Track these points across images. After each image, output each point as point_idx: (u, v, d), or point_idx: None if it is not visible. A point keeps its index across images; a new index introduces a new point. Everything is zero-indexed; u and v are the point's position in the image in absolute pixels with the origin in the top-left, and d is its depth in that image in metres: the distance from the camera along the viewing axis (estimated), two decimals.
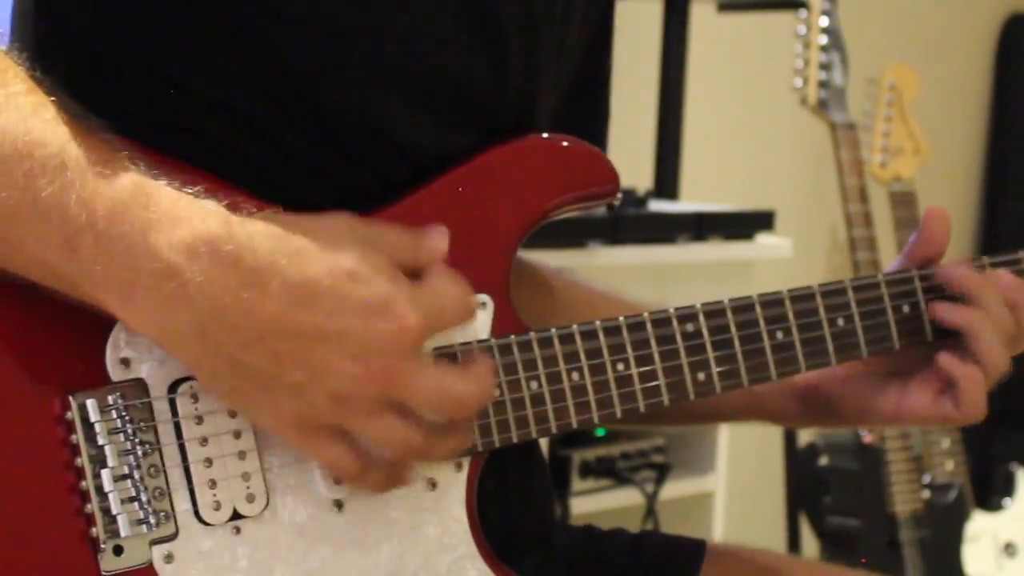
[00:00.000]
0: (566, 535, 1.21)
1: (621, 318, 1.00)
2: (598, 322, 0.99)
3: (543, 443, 2.07)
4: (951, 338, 1.11)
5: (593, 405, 0.99)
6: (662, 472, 2.24)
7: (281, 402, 0.87)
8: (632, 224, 2.18)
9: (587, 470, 2.19)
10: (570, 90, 1.12)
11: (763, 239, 2.36)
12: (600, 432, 2.22)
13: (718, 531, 2.39)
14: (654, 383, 1.01)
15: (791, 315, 1.05)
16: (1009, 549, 2.82)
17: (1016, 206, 3.62)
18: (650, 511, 2.22)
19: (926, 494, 2.67)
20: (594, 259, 2.10)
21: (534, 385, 0.97)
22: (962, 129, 3.62)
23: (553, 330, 0.98)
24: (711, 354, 1.03)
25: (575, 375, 0.98)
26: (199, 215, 0.86)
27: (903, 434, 2.62)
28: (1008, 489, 2.88)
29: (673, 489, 2.28)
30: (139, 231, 0.84)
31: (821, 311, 1.07)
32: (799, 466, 2.70)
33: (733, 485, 2.41)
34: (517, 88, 1.03)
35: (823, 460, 2.64)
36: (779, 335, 1.05)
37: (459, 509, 0.97)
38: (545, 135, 1.02)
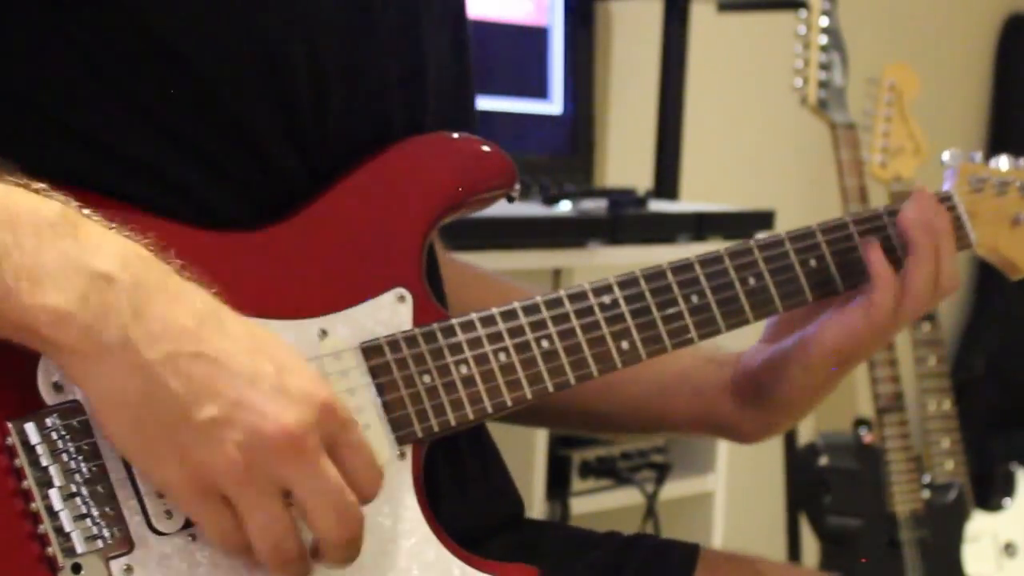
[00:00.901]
0: (560, 535, 1.22)
1: (538, 297, 1.04)
2: (516, 303, 1.03)
3: (542, 442, 2.08)
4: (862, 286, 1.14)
5: (524, 382, 1.02)
6: (662, 472, 2.24)
7: (188, 446, 0.85)
8: (632, 224, 2.18)
9: (587, 470, 2.19)
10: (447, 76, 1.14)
11: None
12: None
13: (718, 531, 2.39)
14: (580, 355, 1.04)
15: (703, 278, 1.09)
16: (1009, 549, 2.82)
17: None
18: (650, 511, 2.22)
19: (926, 494, 2.67)
20: (594, 259, 2.10)
21: (463, 369, 1.00)
22: (962, 129, 3.62)
23: (473, 314, 1.01)
24: (631, 322, 1.06)
25: (502, 355, 1.01)
26: (125, 240, 0.88)
27: (903, 434, 2.62)
28: (1008, 489, 2.88)
29: (673, 489, 2.28)
30: (70, 246, 0.85)
31: (731, 272, 1.11)
32: (799, 466, 2.70)
33: (733, 485, 2.41)
34: (397, 62, 1.05)
35: (823, 460, 2.64)
36: (694, 299, 1.09)
37: (409, 496, 0.99)
38: (440, 133, 1.06)
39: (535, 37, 2.54)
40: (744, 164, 3.12)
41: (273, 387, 0.86)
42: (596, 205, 2.18)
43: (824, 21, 2.57)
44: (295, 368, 0.88)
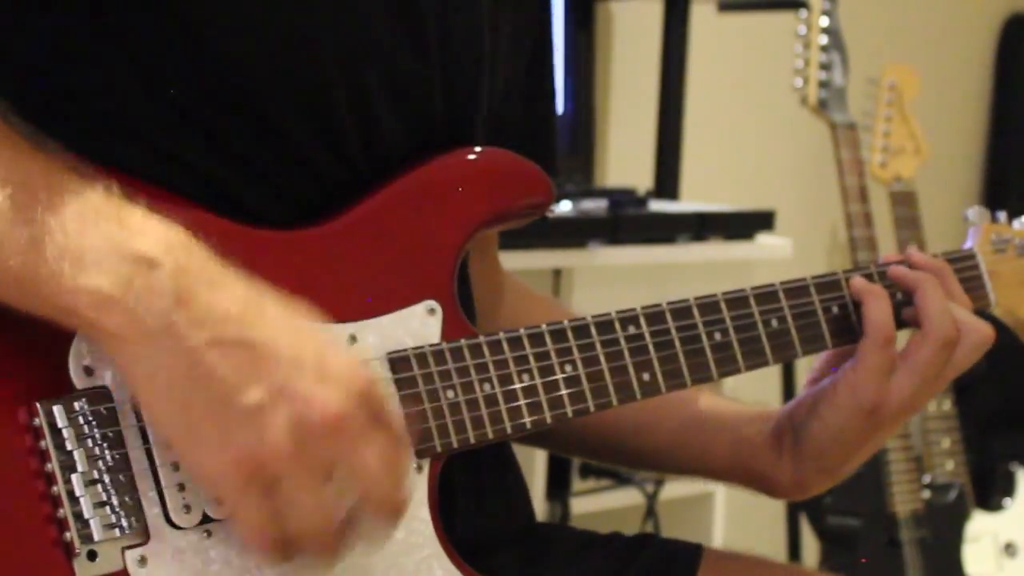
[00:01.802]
0: (563, 538, 1.21)
1: (566, 322, 1.04)
2: (544, 326, 1.03)
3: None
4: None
5: (545, 406, 1.02)
6: None
7: (233, 430, 0.85)
8: (632, 224, 2.18)
9: (587, 470, 2.19)
10: (515, 88, 1.15)
11: (763, 239, 2.36)
12: None
13: (718, 531, 2.39)
14: (601, 383, 1.05)
15: (727, 318, 1.10)
16: (1009, 549, 2.82)
17: (1017, 206, 3.61)
18: (650, 511, 2.22)
19: (926, 494, 2.67)
20: (594, 259, 2.10)
21: (487, 387, 1.00)
22: (962, 129, 3.62)
23: (501, 334, 1.02)
24: (654, 355, 1.07)
25: (525, 376, 1.02)
26: (167, 226, 0.88)
27: (903, 434, 2.62)
28: (1008, 489, 2.88)
29: (673, 489, 2.28)
30: (114, 229, 0.85)
31: (755, 313, 1.11)
32: None
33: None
34: (445, 79, 1.05)
35: None
36: (717, 336, 1.10)
37: (423, 510, 0.99)
38: (480, 148, 1.06)
39: None
40: (744, 164, 3.12)
41: (317, 371, 0.86)
42: (596, 205, 2.18)
43: (824, 21, 2.57)
44: (335, 354, 0.89)
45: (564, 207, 2.16)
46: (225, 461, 0.86)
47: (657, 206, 2.35)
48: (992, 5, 3.63)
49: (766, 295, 1.12)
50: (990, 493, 2.87)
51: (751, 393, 1.26)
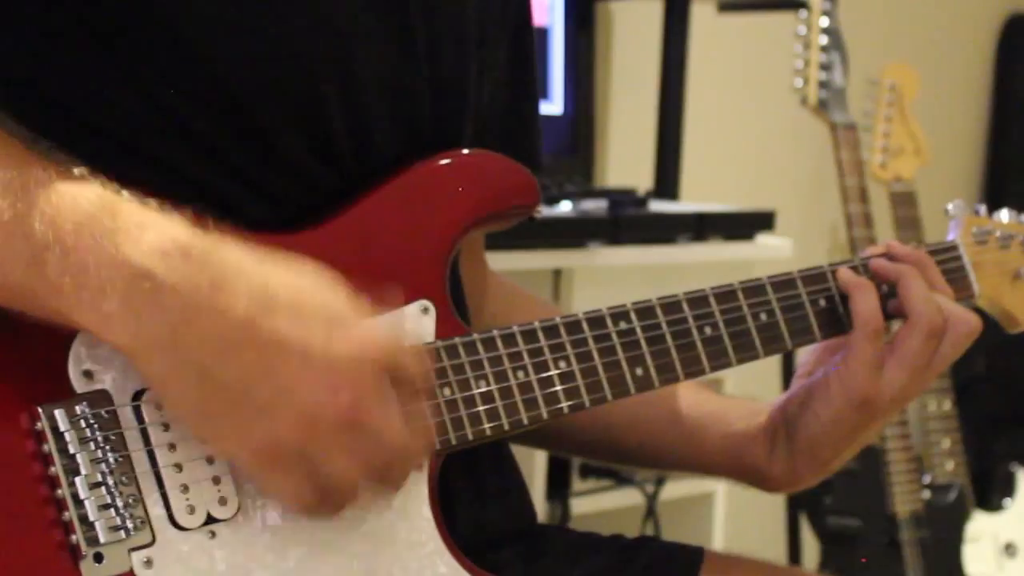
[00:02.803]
0: (565, 539, 1.22)
1: (558, 318, 1.05)
2: (537, 323, 1.04)
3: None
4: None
5: (541, 401, 1.03)
6: None
7: (248, 425, 0.87)
8: (632, 224, 2.18)
9: (587, 470, 2.19)
10: (500, 89, 1.16)
11: (763, 239, 2.36)
12: None
13: (718, 531, 2.39)
14: (595, 378, 1.06)
15: (717, 312, 1.11)
16: (1009, 549, 2.82)
17: (1016, 205, 3.61)
18: (650, 511, 2.22)
19: (926, 494, 2.67)
20: (594, 259, 2.10)
21: (483, 384, 1.01)
22: (962, 129, 3.62)
23: (495, 331, 1.03)
24: (646, 349, 1.08)
25: (520, 373, 1.03)
26: (165, 222, 0.88)
27: (903, 434, 2.62)
28: (1008, 489, 2.89)
29: (673, 489, 2.28)
30: (109, 240, 0.85)
31: (744, 307, 1.13)
32: None
33: (733, 485, 2.41)
34: (432, 82, 1.06)
35: None
36: (707, 330, 1.11)
37: (424, 507, 1.00)
38: (468, 151, 1.07)
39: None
40: (744, 164, 3.12)
41: (324, 360, 0.87)
42: (596, 205, 2.18)
43: (824, 21, 2.57)
44: (343, 331, 0.89)
45: (564, 207, 2.16)
46: (246, 451, 0.88)
47: (657, 206, 2.34)
48: (992, 5, 3.63)
49: (754, 289, 1.13)
50: (990, 493, 2.87)
51: (751, 390, 1.26)
